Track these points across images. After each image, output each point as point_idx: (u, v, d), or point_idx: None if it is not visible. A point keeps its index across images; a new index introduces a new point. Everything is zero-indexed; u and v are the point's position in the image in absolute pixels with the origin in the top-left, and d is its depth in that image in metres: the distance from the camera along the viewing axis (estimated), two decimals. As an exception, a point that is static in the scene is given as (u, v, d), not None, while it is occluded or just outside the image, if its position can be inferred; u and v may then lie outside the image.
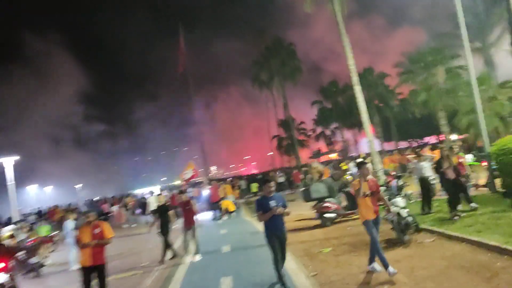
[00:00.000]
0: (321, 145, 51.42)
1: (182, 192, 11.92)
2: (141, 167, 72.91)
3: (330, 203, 11.48)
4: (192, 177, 21.33)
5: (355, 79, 18.02)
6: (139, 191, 37.84)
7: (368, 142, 18.39)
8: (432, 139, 49.14)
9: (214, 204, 18.50)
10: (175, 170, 21.13)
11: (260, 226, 8.97)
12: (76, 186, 62.30)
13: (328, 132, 50.42)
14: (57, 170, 53.90)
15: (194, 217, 9.98)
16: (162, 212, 10.24)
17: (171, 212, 10.34)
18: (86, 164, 60.52)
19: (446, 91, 25.44)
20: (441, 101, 25.22)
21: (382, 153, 36.00)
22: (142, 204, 22.09)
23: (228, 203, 18.15)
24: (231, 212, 18.06)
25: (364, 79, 36.05)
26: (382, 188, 7.32)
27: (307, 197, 12.08)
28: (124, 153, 68.34)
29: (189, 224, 9.87)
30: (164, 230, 10.03)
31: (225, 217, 17.77)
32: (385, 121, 35.86)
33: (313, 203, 11.90)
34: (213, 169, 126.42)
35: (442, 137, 37.38)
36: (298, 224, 12.45)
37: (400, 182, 11.03)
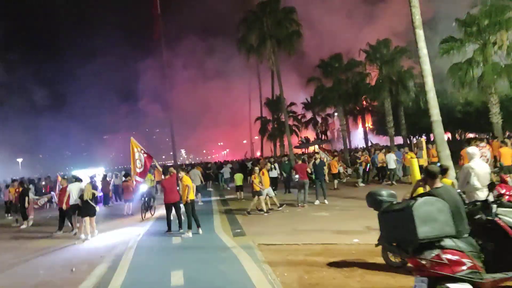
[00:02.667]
0: (309, 133, 44.58)
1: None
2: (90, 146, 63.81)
3: (458, 254, 4.25)
4: (146, 166, 13.73)
5: (423, 53, 11.00)
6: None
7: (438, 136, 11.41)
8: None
9: (169, 206, 11.08)
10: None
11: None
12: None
13: (319, 119, 43.68)
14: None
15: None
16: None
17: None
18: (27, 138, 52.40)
19: (506, 68, 18.73)
20: (499, 80, 18.53)
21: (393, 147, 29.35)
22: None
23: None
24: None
25: (377, 53, 29.23)
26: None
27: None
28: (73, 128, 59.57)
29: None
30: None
31: (189, 234, 10.39)
32: (396, 108, 28.98)
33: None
34: (182, 153, 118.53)
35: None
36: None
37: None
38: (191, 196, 10.71)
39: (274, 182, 17.59)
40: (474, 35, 19.00)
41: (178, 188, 11.28)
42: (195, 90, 79.36)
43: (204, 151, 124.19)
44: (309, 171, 15.27)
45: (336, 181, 18.31)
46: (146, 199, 14.87)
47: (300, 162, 15.03)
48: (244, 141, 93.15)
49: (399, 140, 47.18)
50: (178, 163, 68.61)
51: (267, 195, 13.48)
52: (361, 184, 19.33)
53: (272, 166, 18.06)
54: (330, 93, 31.22)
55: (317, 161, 14.86)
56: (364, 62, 29.18)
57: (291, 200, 14.83)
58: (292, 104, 37.23)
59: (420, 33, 11.42)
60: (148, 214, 14.68)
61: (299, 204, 13.79)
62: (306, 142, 39.82)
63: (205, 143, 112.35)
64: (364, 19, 59.42)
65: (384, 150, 19.56)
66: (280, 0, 29.29)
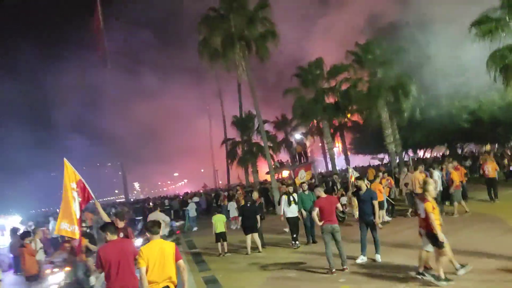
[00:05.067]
0: (282, 156, 38.92)
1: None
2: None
3: None
4: (81, 204, 7.28)
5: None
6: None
7: None
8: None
9: None
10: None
11: None
12: None
13: (292, 140, 38.22)
14: None
15: None
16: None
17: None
18: None
19: None
20: None
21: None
22: None
23: None
24: None
25: (368, 54, 24.39)
26: None
27: None
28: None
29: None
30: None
31: None
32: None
33: None
34: (136, 186, 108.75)
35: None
36: None
37: None
38: None
39: (295, 223, 12.06)
40: None
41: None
42: (144, 113, 71.69)
43: (159, 183, 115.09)
44: (340, 209, 9.47)
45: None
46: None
47: (320, 192, 9.14)
48: (202, 170, 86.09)
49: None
50: (131, 199, 60.51)
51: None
52: (387, 218, 13.82)
53: (291, 197, 12.13)
54: (313, 106, 25.94)
55: (361, 192, 9.10)
56: (354, 66, 24.30)
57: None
58: (265, 121, 31.63)
59: None
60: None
61: (330, 268, 8.08)
62: (280, 166, 34.17)
63: (159, 174, 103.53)
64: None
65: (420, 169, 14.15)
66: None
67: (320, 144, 44.91)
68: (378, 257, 8.95)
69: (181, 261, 5.47)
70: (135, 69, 74.07)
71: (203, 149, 64.11)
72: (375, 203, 8.87)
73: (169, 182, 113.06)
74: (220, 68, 25.85)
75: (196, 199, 25.89)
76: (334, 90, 25.68)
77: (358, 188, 9.25)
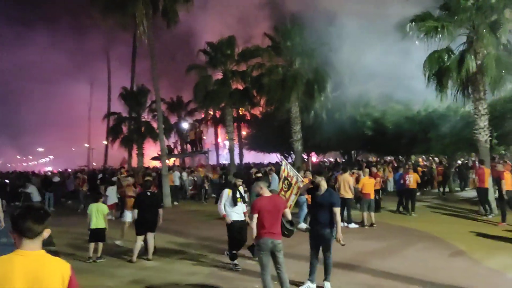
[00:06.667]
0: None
1: None
2: None
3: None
4: None
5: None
6: None
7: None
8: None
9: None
10: None
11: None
12: None
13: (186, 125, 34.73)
14: None
15: None
16: None
17: None
18: None
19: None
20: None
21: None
22: None
23: None
24: None
25: (287, 41, 22.19)
26: None
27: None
28: None
29: None
30: None
31: None
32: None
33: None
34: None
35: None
36: None
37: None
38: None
39: (241, 230, 8.02)
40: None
41: None
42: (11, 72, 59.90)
43: (19, 157, 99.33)
44: (288, 217, 6.64)
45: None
46: None
47: (262, 188, 6.16)
48: (73, 149, 76.22)
49: (271, 158, 41.75)
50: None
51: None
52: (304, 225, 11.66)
53: (238, 192, 8.02)
54: (219, 88, 22.87)
55: (319, 193, 6.40)
56: (270, 52, 21.91)
57: None
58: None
59: None
60: None
61: None
62: (169, 153, 30.26)
63: (20, 146, 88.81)
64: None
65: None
66: None
67: (213, 135, 42.13)
68: (328, 286, 6.39)
69: None
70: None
71: (77, 123, 55.85)
72: (336, 210, 6.26)
73: (30, 157, 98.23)
74: (114, 24, 21.35)
75: (57, 178, 21.04)
76: (245, 74, 22.92)
77: (314, 187, 6.56)
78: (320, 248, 6.42)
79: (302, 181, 8.61)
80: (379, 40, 19.97)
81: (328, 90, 21.12)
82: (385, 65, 18.08)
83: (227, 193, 8.00)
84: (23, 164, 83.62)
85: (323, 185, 6.41)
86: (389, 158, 32.49)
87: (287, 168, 8.78)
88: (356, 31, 21.17)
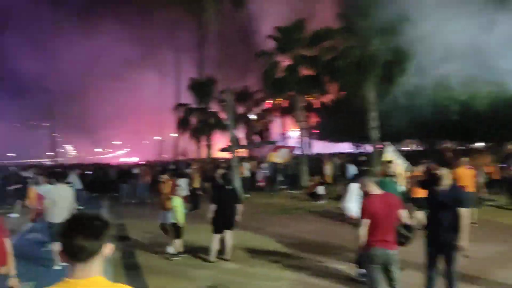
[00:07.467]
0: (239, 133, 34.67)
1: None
2: None
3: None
4: None
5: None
6: None
7: None
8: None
9: None
10: None
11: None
12: None
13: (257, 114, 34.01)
14: None
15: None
16: None
17: None
18: None
19: None
20: None
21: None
22: None
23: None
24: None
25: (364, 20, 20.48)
26: None
27: None
28: None
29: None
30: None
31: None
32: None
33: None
34: (69, 149, 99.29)
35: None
36: None
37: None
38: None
39: None
40: None
41: None
42: (88, 69, 62.93)
43: (97, 149, 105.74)
44: (406, 220, 5.35)
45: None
46: None
47: (371, 186, 4.93)
48: (147, 142, 78.97)
49: (342, 147, 40.00)
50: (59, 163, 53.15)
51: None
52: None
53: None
54: (289, 75, 21.72)
55: (440, 188, 5.11)
56: (342, 33, 20.33)
57: None
58: (226, 90, 27.04)
59: None
60: None
61: None
62: (235, 144, 29.68)
63: (104, 140, 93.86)
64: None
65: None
66: None
67: (280, 125, 41.13)
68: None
69: None
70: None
71: (147, 115, 57.43)
72: (464, 212, 4.93)
73: (110, 150, 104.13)
74: (181, 10, 21.05)
75: (135, 170, 21.21)
76: (315, 59, 21.49)
77: (433, 180, 5.26)
78: (442, 259, 5.14)
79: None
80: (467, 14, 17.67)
81: (408, 72, 19.13)
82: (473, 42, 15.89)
83: (356, 188, 6.03)
84: (100, 156, 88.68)
85: (448, 179, 5.09)
86: (474, 146, 29.38)
87: (390, 153, 7.44)
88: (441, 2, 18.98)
